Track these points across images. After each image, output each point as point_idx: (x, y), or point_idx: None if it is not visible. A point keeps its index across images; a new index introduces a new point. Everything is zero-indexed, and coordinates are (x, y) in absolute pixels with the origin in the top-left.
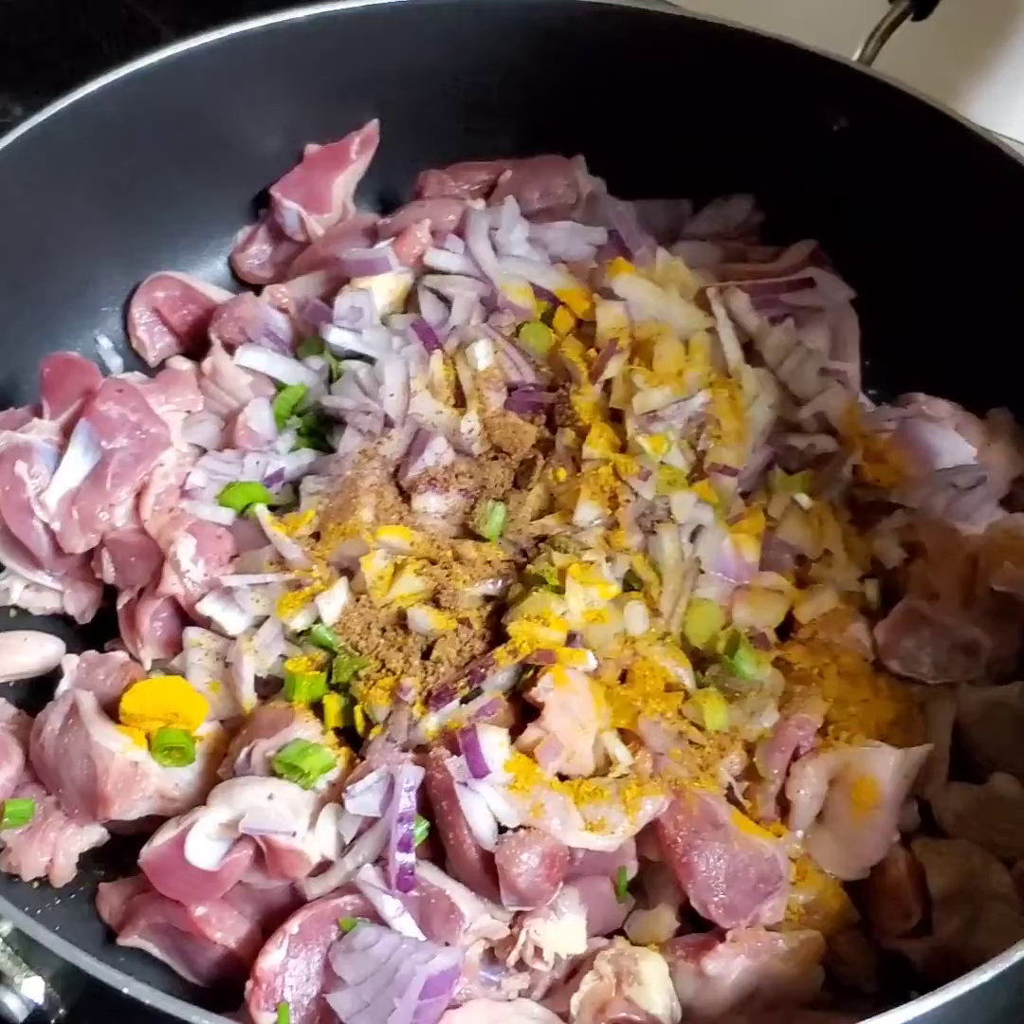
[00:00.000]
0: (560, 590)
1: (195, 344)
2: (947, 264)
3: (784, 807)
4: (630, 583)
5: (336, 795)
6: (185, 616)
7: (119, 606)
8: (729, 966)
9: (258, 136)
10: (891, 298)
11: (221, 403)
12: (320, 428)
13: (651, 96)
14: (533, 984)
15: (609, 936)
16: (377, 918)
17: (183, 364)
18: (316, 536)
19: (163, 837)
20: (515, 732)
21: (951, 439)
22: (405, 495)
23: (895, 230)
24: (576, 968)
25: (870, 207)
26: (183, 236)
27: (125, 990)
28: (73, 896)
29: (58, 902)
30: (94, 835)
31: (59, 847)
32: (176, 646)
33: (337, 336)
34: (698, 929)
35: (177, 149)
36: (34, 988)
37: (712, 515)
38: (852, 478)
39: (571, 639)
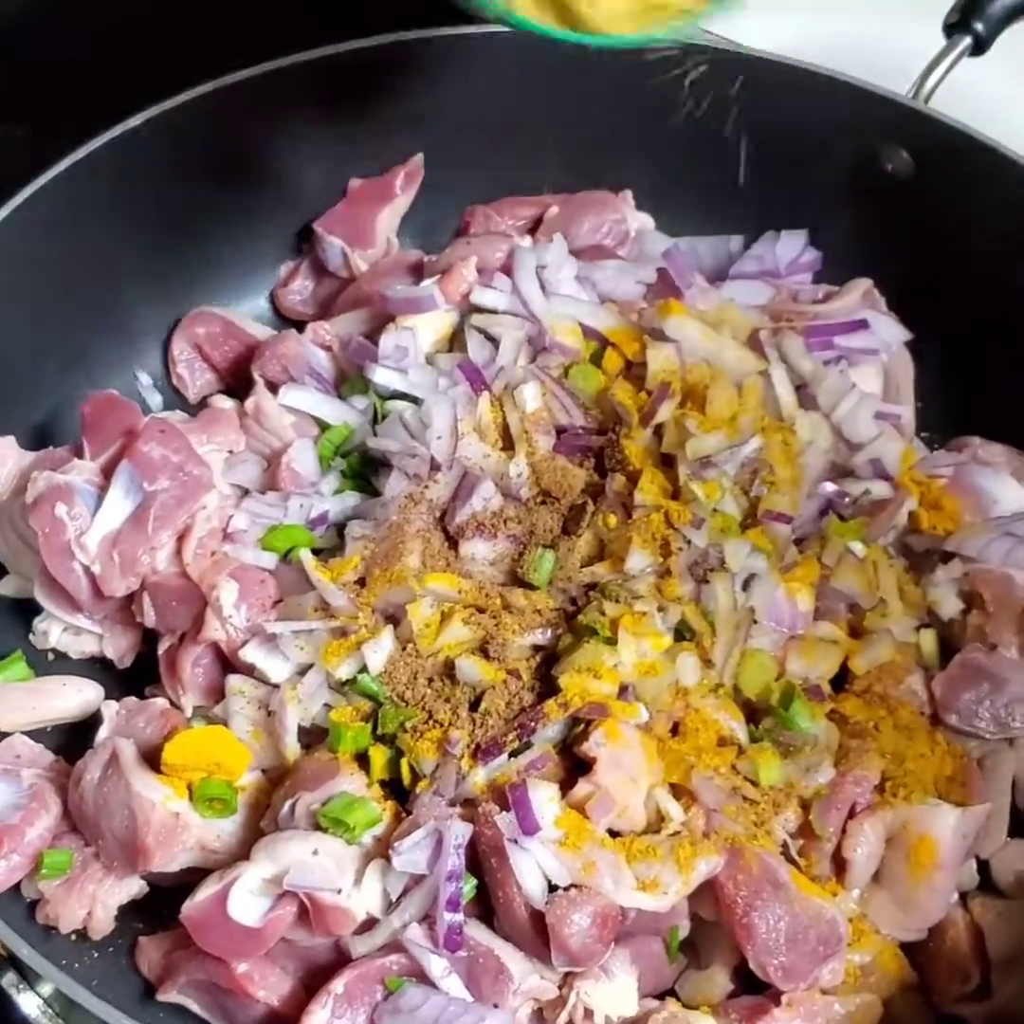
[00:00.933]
0: (612, 641)
1: (236, 381)
2: (1003, 305)
3: (840, 865)
4: (681, 633)
5: (382, 850)
6: (227, 662)
7: (160, 651)
8: None
9: (301, 170)
10: (946, 340)
11: (264, 443)
12: (365, 470)
13: (701, 132)
14: None
15: (660, 997)
16: (424, 978)
17: (225, 402)
18: (361, 582)
19: (205, 892)
20: (565, 786)
21: (1008, 485)
22: (452, 541)
23: (950, 270)
24: None
25: (925, 246)
26: (225, 271)
27: None
28: (111, 949)
29: (96, 955)
30: (133, 887)
31: (98, 899)
32: (218, 693)
33: (382, 375)
34: (750, 991)
35: (219, 183)
36: None
37: (766, 563)
38: (907, 525)
39: (623, 691)
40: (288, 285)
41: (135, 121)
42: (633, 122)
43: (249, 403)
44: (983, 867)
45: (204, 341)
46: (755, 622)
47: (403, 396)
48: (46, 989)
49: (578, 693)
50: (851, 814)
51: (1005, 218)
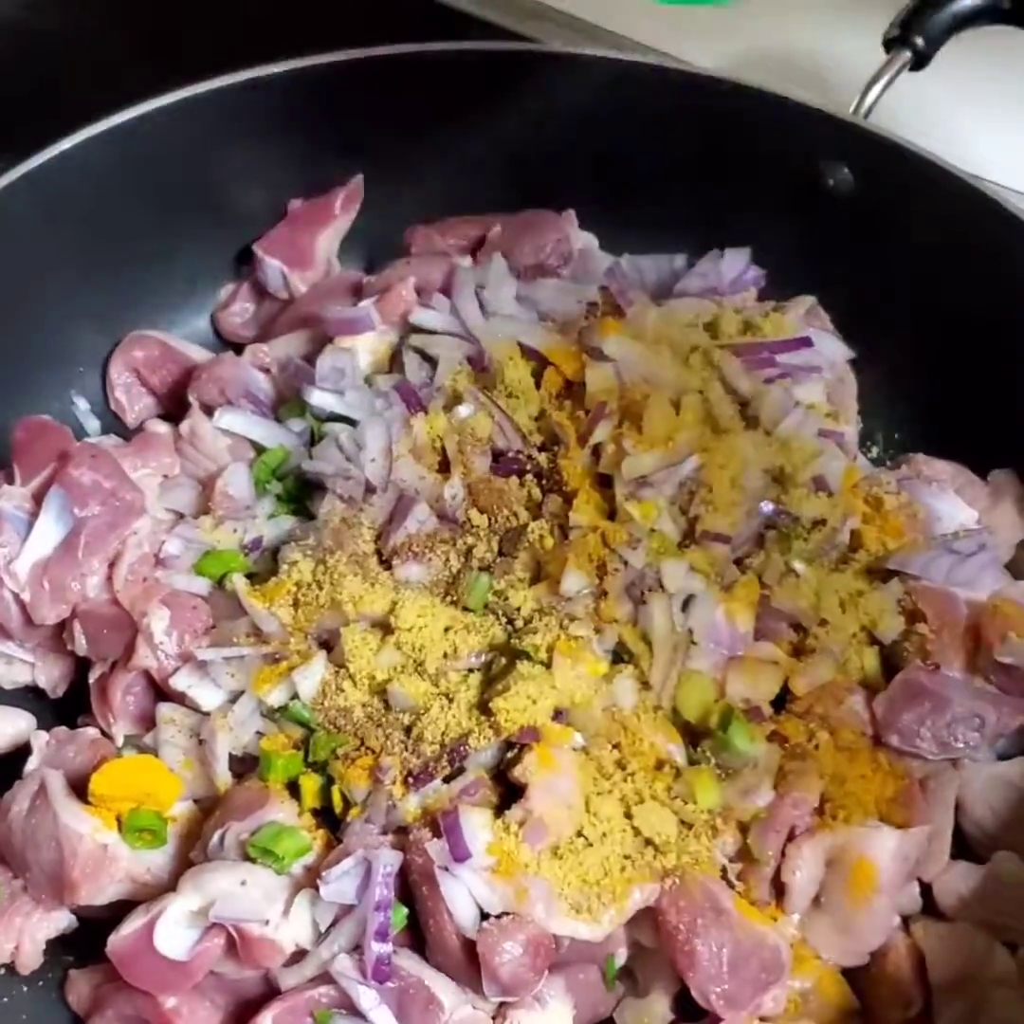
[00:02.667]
0: (547, 665)
1: (175, 405)
2: (947, 321)
3: (779, 890)
4: (619, 654)
5: (312, 880)
6: (159, 690)
7: (91, 679)
8: None
9: (241, 191)
10: (889, 356)
11: (199, 467)
12: (301, 494)
13: (643, 150)
14: None
15: None
16: (354, 1010)
17: (160, 427)
18: (295, 606)
19: (131, 925)
20: (499, 813)
21: (952, 502)
22: (387, 563)
23: (893, 286)
24: None
25: (868, 263)
26: (164, 294)
27: None
28: (41, 983)
29: (25, 989)
30: (62, 921)
31: (26, 933)
32: (149, 721)
33: (318, 398)
34: (689, 1018)
35: (158, 205)
36: None
37: (704, 584)
38: (849, 543)
39: (557, 716)
40: (228, 307)
41: (68, 143)
42: (576, 141)
43: (184, 426)
44: (926, 890)
45: (142, 365)
46: (694, 644)
47: (341, 418)
48: None
49: (511, 718)
50: (790, 837)
51: (947, 233)
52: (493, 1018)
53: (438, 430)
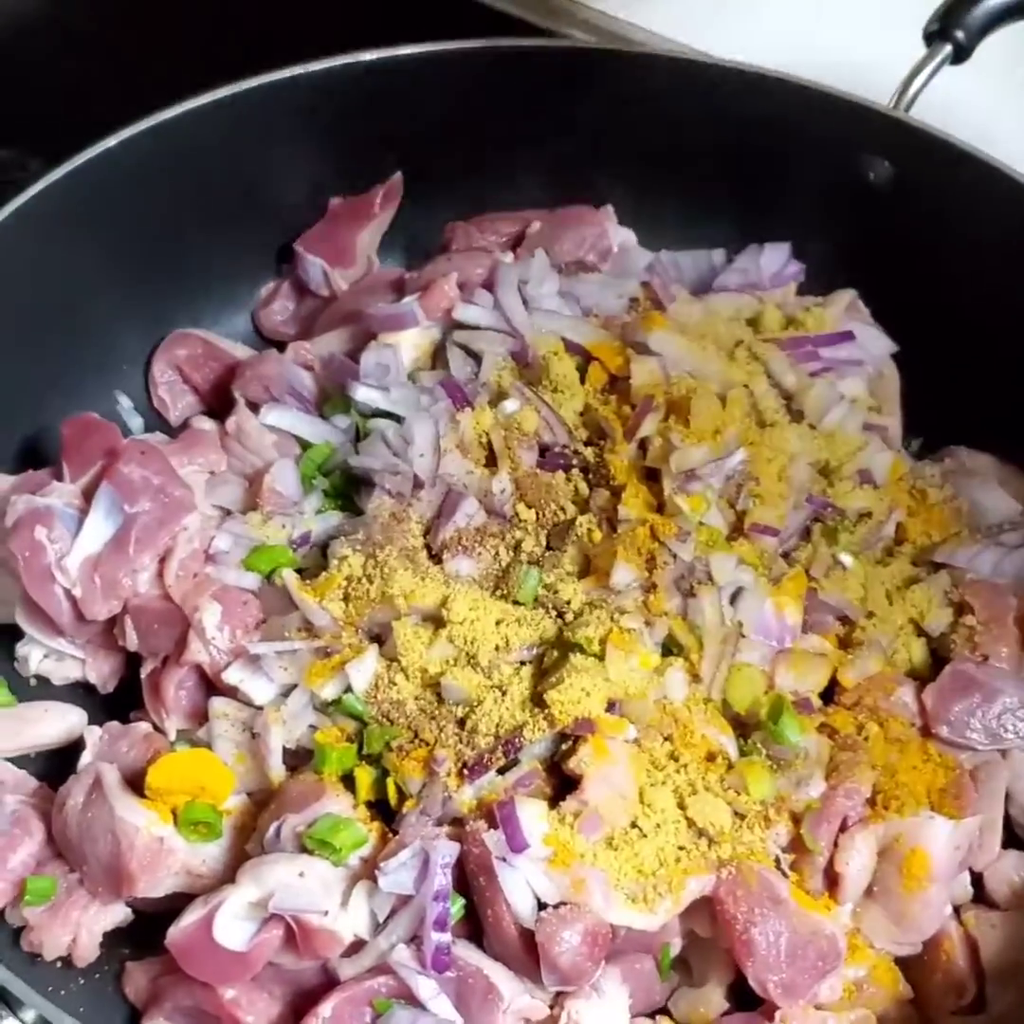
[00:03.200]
0: (599, 658)
1: (218, 403)
2: (988, 314)
3: (831, 880)
4: (669, 648)
5: (369, 872)
6: (211, 685)
7: (143, 675)
8: None
9: (281, 189)
10: (930, 349)
11: (245, 463)
12: (347, 489)
13: (681, 145)
14: None
15: (652, 1016)
16: (413, 1000)
17: (206, 424)
18: (346, 601)
19: (191, 917)
20: (554, 804)
21: (996, 495)
22: (436, 558)
23: (933, 280)
24: None
25: (908, 257)
26: (205, 292)
27: None
28: (97, 976)
29: (82, 982)
30: (118, 914)
31: (82, 926)
32: (201, 716)
33: (363, 393)
34: (743, 1008)
35: (198, 204)
36: None
37: (753, 577)
38: (895, 536)
39: (610, 708)
40: (269, 305)
41: (111, 141)
42: (614, 137)
43: (230, 423)
44: (977, 879)
45: (185, 363)
46: (743, 636)
47: (385, 414)
48: (30, 1016)
49: (565, 709)
50: (842, 827)
51: (987, 227)
52: (551, 1008)
53: (484, 425)
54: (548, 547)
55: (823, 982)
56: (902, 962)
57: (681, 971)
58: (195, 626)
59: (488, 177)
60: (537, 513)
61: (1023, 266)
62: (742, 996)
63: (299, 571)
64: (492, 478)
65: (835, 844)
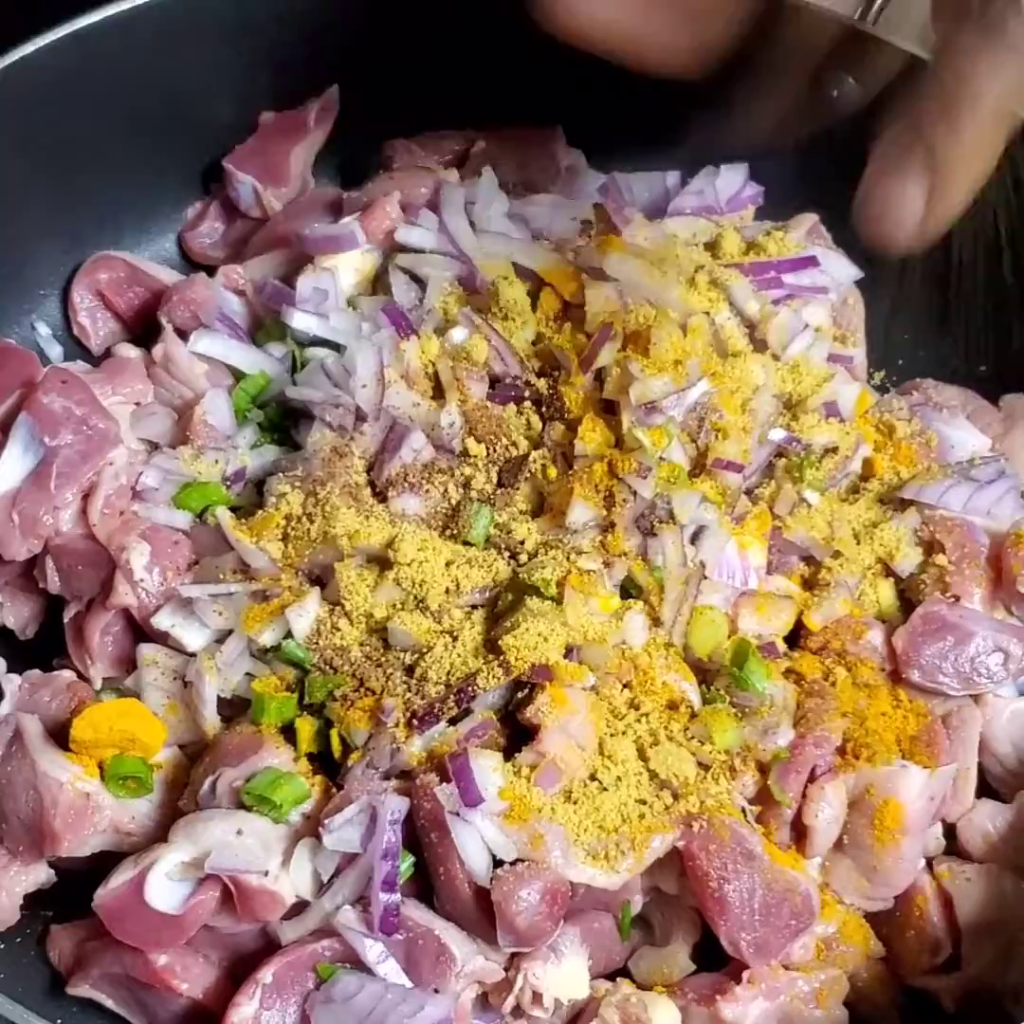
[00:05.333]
0: (557, 601)
1: (143, 331)
2: (954, 239)
3: (800, 832)
4: (628, 590)
5: (311, 829)
6: (139, 631)
7: (65, 620)
8: (746, 1010)
9: (209, 103)
10: (891, 278)
11: (174, 394)
12: (284, 422)
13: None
14: None
15: (611, 977)
16: (359, 964)
17: (131, 351)
18: (284, 541)
19: (120, 878)
20: (508, 756)
21: (965, 429)
22: (381, 496)
23: None
24: (578, 1014)
25: None
26: (128, 213)
27: None
28: (19, 940)
29: (2, 946)
30: (41, 875)
31: (1, 887)
32: (129, 664)
33: (300, 320)
34: (704, 967)
35: (121, 117)
36: None
37: (716, 515)
38: (861, 472)
39: (568, 654)
40: (196, 227)
41: (28, 48)
42: (560, 51)
43: (157, 351)
44: (949, 831)
45: (107, 287)
46: (705, 578)
47: (323, 342)
48: None
49: (521, 656)
50: (811, 778)
51: None
52: (506, 970)
53: (431, 355)
54: (499, 484)
55: (796, 941)
56: (873, 919)
57: (642, 930)
58: (122, 567)
59: (429, 93)
60: (488, 448)
61: (992, 186)
62: (704, 955)
63: (233, 509)
64: (439, 411)
65: (803, 795)
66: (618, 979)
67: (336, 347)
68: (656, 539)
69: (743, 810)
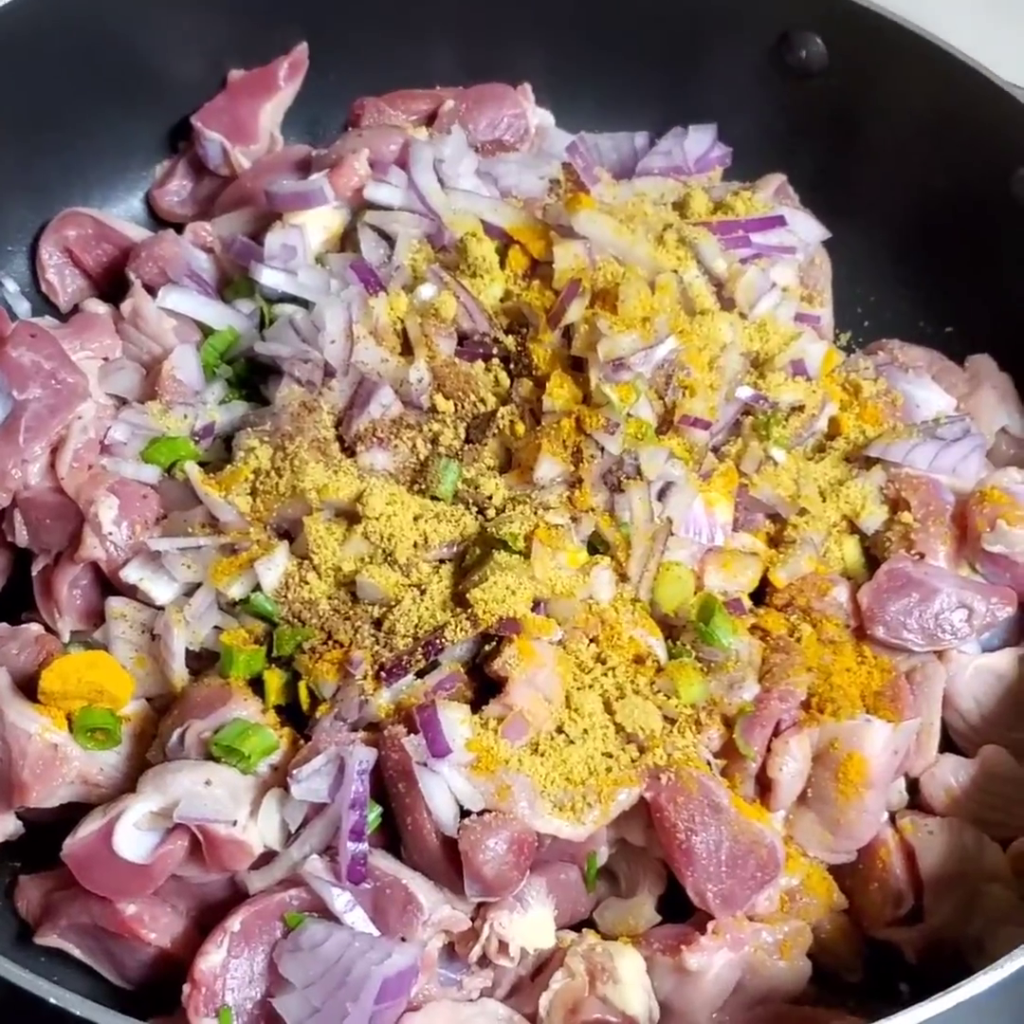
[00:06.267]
0: (524, 555)
1: (111, 287)
2: (920, 199)
3: (763, 786)
4: (594, 546)
5: (279, 779)
6: (107, 584)
7: (33, 572)
8: (711, 960)
9: (177, 60)
10: (858, 238)
11: (142, 350)
12: (252, 378)
13: (601, 19)
14: (497, 982)
15: (577, 928)
16: (326, 913)
17: (99, 307)
18: (253, 495)
19: (88, 827)
20: (475, 708)
21: (930, 388)
22: (349, 451)
23: (864, 164)
24: (543, 964)
25: (840, 138)
26: (96, 170)
27: (51, 1000)
28: None
29: None
30: (8, 826)
31: None
32: (97, 617)
33: (269, 277)
34: (668, 920)
35: (88, 74)
36: None
37: (683, 471)
38: (828, 431)
39: (535, 607)
40: (165, 185)
41: None
42: (530, 8)
43: (125, 306)
44: (911, 785)
45: (75, 244)
46: (672, 534)
47: (292, 299)
48: None
49: (489, 609)
50: (776, 732)
51: (923, 105)
52: (472, 920)
53: (399, 311)
54: (467, 440)
55: (761, 893)
56: (836, 872)
57: (607, 881)
58: (90, 521)
59: (398, 52)
60: (456, 404)
61: (958, 144)
62: (668, 906)
63: (202, 464)
64: (408, 367)
65: (768, 749)
66: (584, 930)
67: (304, 303)
68: (623, 495)
69: (708, 763)
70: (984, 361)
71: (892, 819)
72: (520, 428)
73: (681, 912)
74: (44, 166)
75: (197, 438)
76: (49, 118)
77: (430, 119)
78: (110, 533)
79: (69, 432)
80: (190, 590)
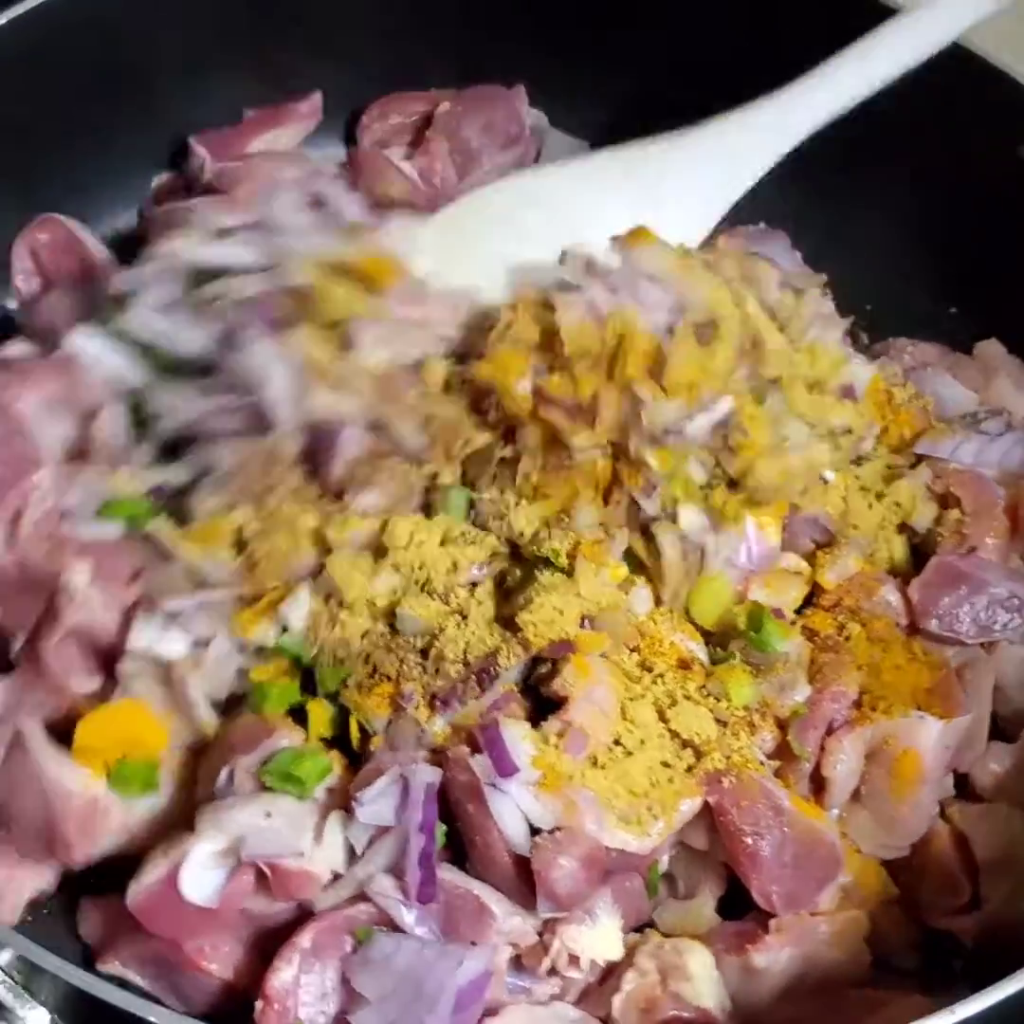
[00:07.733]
0: (567, 572)
1: None
2: (927, 176)
3: (818, 785)
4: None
5: (338, 802)
6: (96, 647)
7: (13, 653)
8: (777, 957)
9: (181, 77)
10: (852, 233)
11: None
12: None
13: (597, 15)
14: (565, 989)
15: (639, 930)
16: (395, 925)
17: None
18: (238, 548)
19: (152, 874)
20: (533, 725)
21: (952, 386)
22: (337, 496)
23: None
24: (610, 969)
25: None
26: (92, 181)
27: (151, 1018)
28: (46, 911)
29: (30, 919)
30: (49, 877)
31: (10, 889)
32: (102, 669)
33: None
34: (725, 915)
35: (91, 89)
36: (39, 1021)
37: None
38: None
39: (581, 622)
40: (159, 201)
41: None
42: (527, 9)
43: (59, 355)
44: (958, 776)
45: (42, 248)
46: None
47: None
48: (5, 957)
49: (539, 632)
50: (828, 731)
51: (918, 93)
52: (540, 934)
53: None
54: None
55: (824, 891)
56: (890, 866)
57: (665, 883)
58: (64, 590)
59: (393, 55)
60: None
61: (954, 131)
62: (728, 906)
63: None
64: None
65: (821, 749)
66: (645, 930)
67: None
68: (657, 538)
69: (763, 764)
70: (991, 348)
71: (941, 810)
72: (529, 466)
73: (734, 907)
74: (47, 175)
75: (152, 497)
76: (47, 129)
77: (426, 121)
78: (88, 599)
79: (27, 503)
80: (203, 642)
